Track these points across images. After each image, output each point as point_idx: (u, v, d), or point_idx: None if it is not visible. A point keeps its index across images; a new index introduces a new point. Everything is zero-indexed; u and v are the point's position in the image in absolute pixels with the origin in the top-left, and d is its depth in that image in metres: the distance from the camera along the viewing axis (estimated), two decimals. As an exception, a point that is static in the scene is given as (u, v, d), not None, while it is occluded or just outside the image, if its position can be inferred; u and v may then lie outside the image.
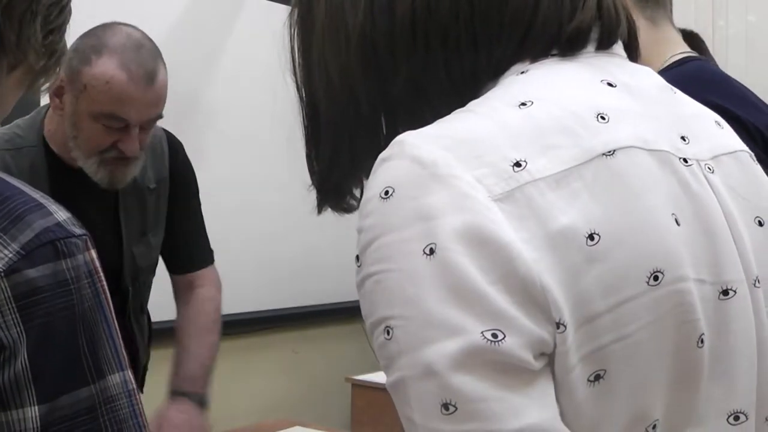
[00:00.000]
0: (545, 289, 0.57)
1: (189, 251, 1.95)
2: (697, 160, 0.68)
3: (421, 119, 0.65)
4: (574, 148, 0.61)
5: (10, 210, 0.69)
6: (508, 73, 0.69)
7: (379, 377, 3.10)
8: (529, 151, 0.60)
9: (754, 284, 0.68)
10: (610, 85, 0.68)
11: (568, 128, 0.62)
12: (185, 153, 1.92)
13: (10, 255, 0.67)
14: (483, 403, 0.55)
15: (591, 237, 0.59)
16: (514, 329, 0.56)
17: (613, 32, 0.72)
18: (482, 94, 0.68)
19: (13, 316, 0.66)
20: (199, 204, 1.98)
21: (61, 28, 0.86)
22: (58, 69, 0.89)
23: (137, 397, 0.74)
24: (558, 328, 0.57)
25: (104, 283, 0.73)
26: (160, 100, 1.65)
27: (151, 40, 1.64)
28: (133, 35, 1.61)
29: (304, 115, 0.77)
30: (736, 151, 0.73)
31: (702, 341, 0.63)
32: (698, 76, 1.53)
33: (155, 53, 1.64)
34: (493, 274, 0.56)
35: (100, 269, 0.73)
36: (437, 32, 0.69)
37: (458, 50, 0.69)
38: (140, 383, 1.98)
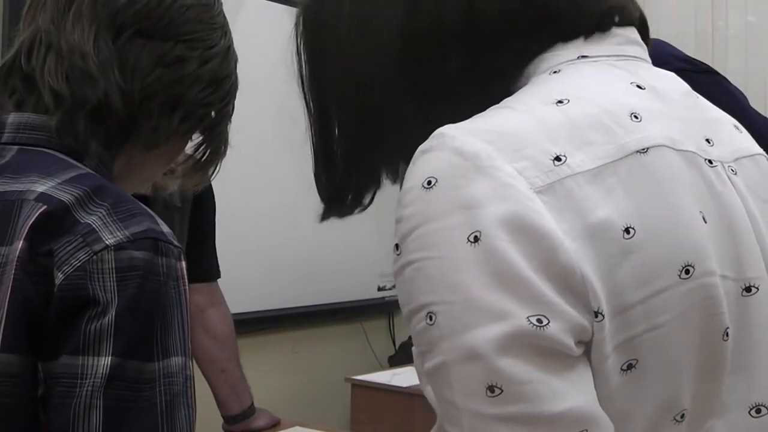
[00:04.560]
0: (585, 279, 0.58)
1: (203, 264, 2.16)
2: (721, 162, 0.70)
3: (454, 118, 0.66)
4: (609, 145, 0.63)
5: (129, 209, 0.84)
6: (537, 72, 0.71)
7: (378, 377, 3.10)
8: (567, 146, 0.62)
9: None
10: (639, 87, 0.70)
11: (604, 125, 0.64)
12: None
13: (121, 237, 0.81)
14: (528, 385, 0.57)
15: (627, 230, 0.60)
16: (557, 315, 0.58)
17: (632, 15, 0.75)
18: (513, 92, 0.69)
19: (112, 283, 0.79)
20: (214, 224, 2.20)
21: (208, 124, 0.99)
22: (214, 167, 1.04)
23: (192, 382, 0.84)
24: (596, 316, 0.59)
25: (188, 289, 0.84)
26: None
27: None
28: None
29: (316, 128, 0.78)
30: (754, 155, 0.76)
31: (727, 334, 0.65)
32: None
33: None
34: (535, 262, 0.58)
35: (186, 279, 0.84)
36: (482, 30, 0.71)
37: (497, 47, 0.71)
38: None
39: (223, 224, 2.24)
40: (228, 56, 1.00)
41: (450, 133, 0.63)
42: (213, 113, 0.98)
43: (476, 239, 0.58)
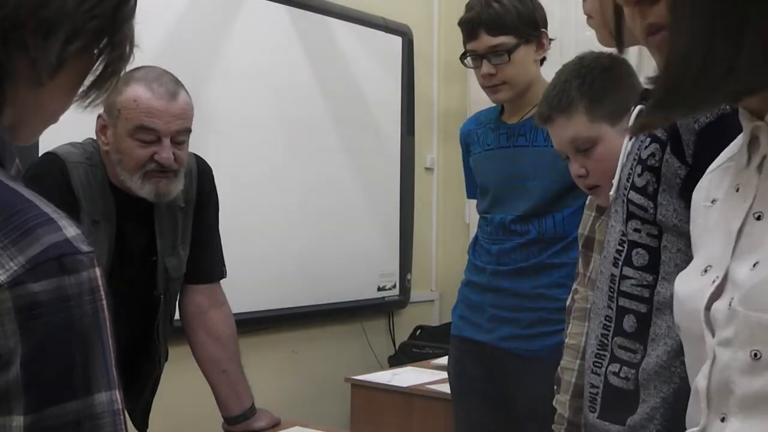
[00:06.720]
0: None
1: (205, 265, 2.17)
2: None
3: None
4: None
5: (22, 222, 0.70)
6: None
7: (378, 377, 3.10)
8: None
9: None
10: None
11: None
12: (213, 178, 2.16)
13: (16, 268, 0.68)
14: None
15: None
16: None
17: None
18: None
19: (12, 326, 0.67)
20: (218, 225, 2.19)
21: (104, 32, 0.85)
22: (119, 74, 0.88)
23: (122, 417, 0.75)
24: None
25: (104, 301, 0.74)
26: (184, 113, 1.91)
27: (171, 74, 1.93)
28: (155, 69, 1.92)
29: None
30: None
31: None
32: None
33: (175, 81, 1.93)
34: None
35: (102, 287, 0.74)
36: None
37: None
38: (153, 389, 2.16)
39: (224, 224, 2.24)
40: None
41: None
42: (107, 21, 0.85)
43: None
